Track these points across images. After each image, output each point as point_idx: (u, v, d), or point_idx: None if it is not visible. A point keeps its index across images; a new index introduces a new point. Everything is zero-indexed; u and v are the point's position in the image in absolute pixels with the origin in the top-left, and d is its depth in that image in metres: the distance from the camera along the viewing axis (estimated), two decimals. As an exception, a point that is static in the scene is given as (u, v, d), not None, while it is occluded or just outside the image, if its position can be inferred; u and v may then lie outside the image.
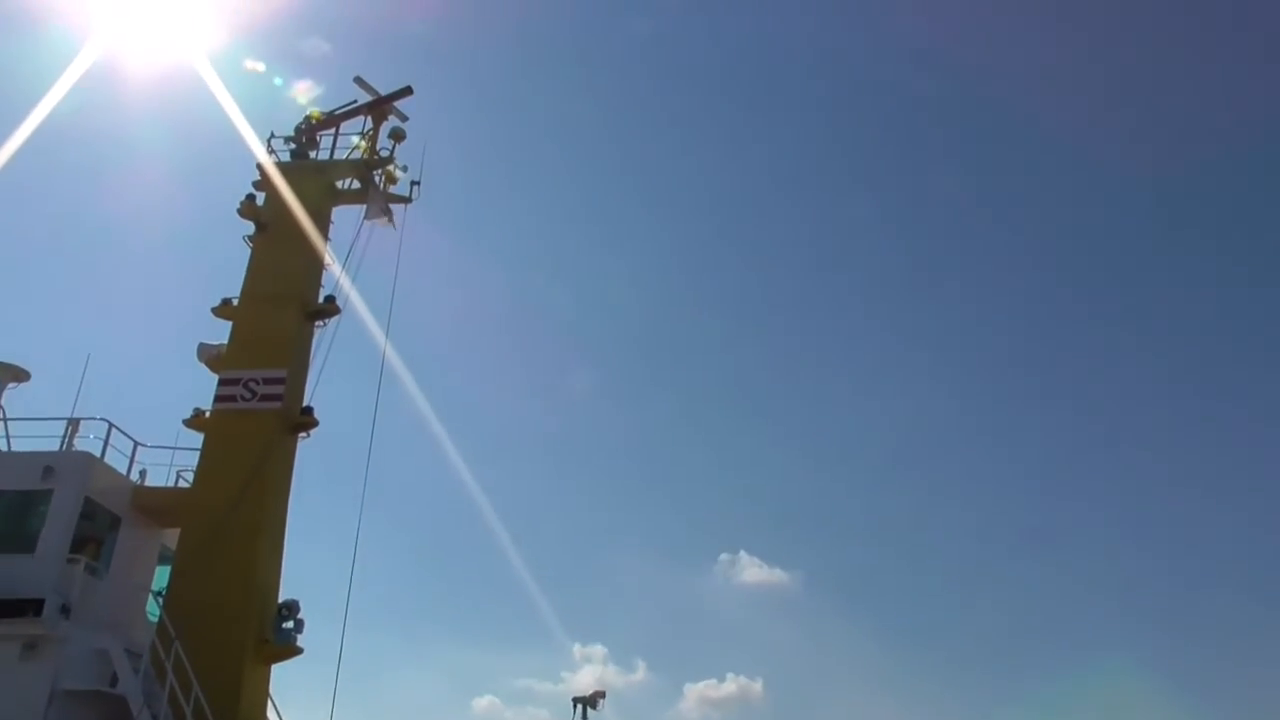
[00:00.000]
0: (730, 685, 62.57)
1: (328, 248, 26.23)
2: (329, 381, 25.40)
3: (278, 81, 32.27)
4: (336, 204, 26.90)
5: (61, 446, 22.72)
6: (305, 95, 29.88)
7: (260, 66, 31.23)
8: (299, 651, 22.69)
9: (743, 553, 70.35)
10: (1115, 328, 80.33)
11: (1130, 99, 76.62)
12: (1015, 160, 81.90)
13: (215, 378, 24.59)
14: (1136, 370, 77.95)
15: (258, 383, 24.23)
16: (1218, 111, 72.63)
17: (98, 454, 22.62)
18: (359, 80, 27.53)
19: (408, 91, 27.52)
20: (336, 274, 26.11)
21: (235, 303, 25.49)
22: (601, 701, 27.52)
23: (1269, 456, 72.38)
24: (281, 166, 26.84)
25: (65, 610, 20.08)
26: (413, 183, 27.33)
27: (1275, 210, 76.03)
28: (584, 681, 56.52)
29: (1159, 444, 76.28)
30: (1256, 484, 72.07)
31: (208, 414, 24.09)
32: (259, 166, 26.84)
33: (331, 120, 27.74)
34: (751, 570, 71.09)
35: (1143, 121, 75.08)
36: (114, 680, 20.01)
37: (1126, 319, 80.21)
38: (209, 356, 25.00)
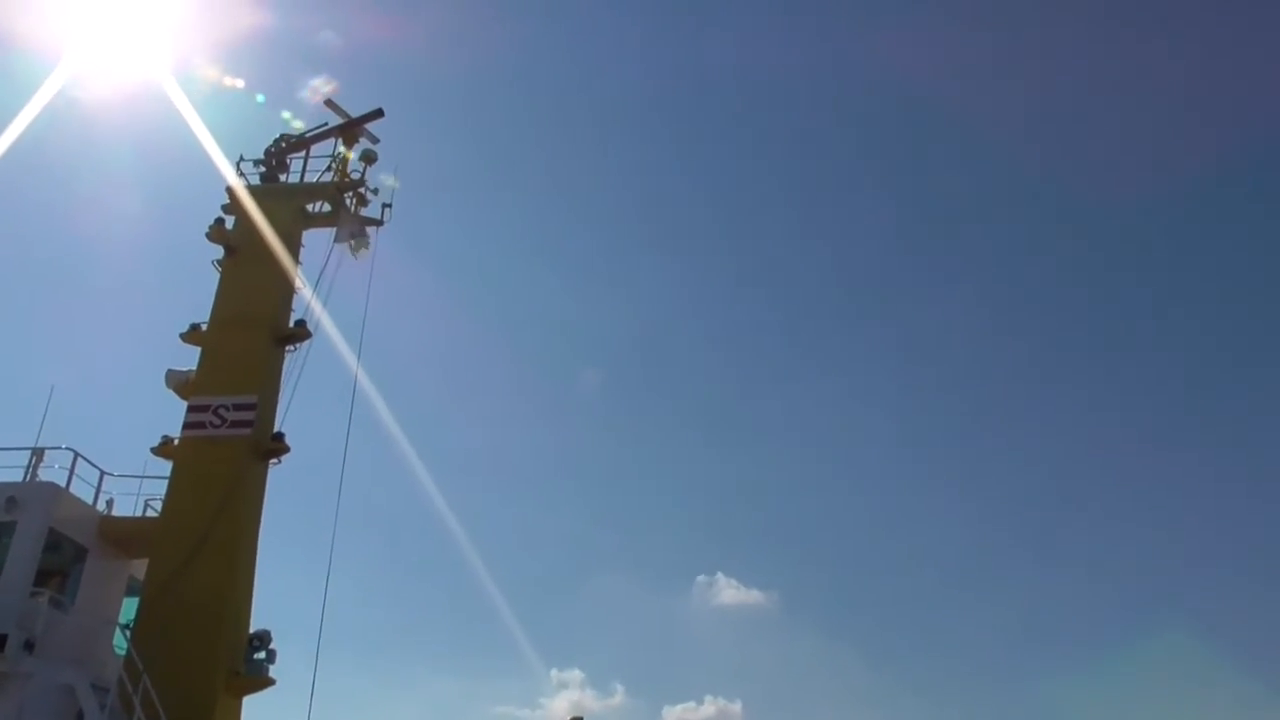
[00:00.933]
0: (709, 707, 62.14)
1: (298, 271, 25.94)
2: (301, 407, 25.11)
3: (260, 99, 32.00)
4: (307, 227, 26.59)
5: (25, 477, 22.28)
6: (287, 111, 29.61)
7: (240, 82, 30.91)
8: (271, 683, 22.27)
9: (720, 574, 70.16)
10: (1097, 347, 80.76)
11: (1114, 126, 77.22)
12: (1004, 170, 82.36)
13: (184, 404, 24.18)
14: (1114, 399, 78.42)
15: (227, 409, 23.85)
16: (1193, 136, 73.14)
17: (63, 484, 22.21)
18: (330, 103, 27.35)
19: (378, 114, 27.33)
20: (308, 298, 25.87)
21: (204, 328, 25.11)
22: (580, 727, 27.16)
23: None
24: (251, 190, 26.54)
25: (29, 646, 19.63)
26: (384, 205, 27.19)
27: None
28: (562, 707, 56.02)
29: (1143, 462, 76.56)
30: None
31: (176, 441, 23.67)
32: (228, 190, 26.56)
33: (302, 143, 27.50)
34: (729, 591, 70.90)
35: (1129, 146, 75.62)
36: (79, 717, 19.52)
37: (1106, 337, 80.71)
38: (177, 383, 24.61)
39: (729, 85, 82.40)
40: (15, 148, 28.01)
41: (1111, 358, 79.32)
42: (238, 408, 23.87)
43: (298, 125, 27.95)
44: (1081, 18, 75.74)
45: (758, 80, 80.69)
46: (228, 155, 27.06)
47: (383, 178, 27.38)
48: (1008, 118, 77.07)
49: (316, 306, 25.73)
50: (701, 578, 70.76)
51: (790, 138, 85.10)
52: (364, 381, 25.72)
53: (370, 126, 27.42)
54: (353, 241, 26.33)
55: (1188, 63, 73.92)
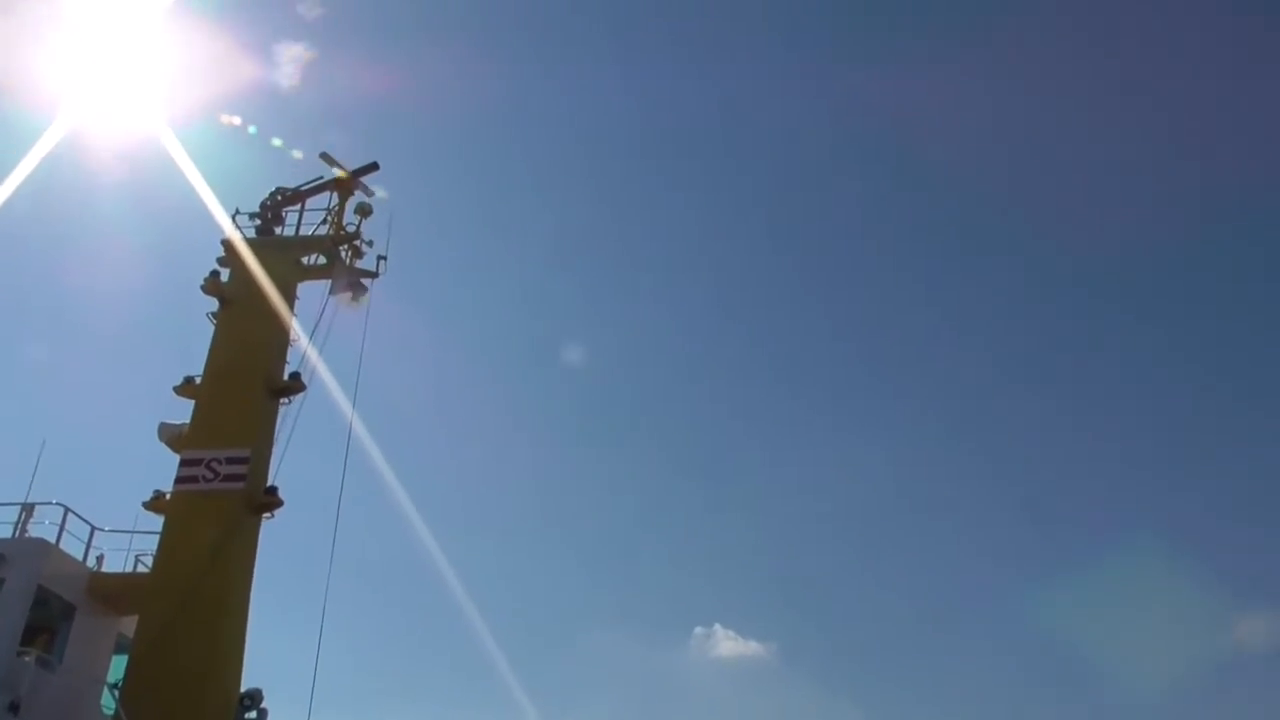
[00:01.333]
0: (708, 761, 61.14)
1: (293, 324, 25.90)
2: (295, 459, 24.95)
3: (252, 130, 32.18)
4: (302, 280, 26.59)
5: (15, 532, 22.01)
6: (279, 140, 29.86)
7: (236, 119, 31.06)
8: (262, 743, 21.88)
9: (718, 626, 69.33)
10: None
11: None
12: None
13: (177, 458, 24.01)
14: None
15: (220, 462, 23.67)
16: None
17: (53, 539, 21.94)
18: (325, 156, 27.44)
19: (374, 167, 27.42)
20: (303, 350, 25.80)
21: (198, 381, 25.00)
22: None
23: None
24: (246, 242, 26.56)
25: (14, 708, 19.23)
26: (379, 257, 27.13)
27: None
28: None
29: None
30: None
31: (168, 496, 23.46)
32: (223, 242, 26.58)
33: (297, 196, 27.56)
34: (727, 643, 70.01)
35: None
36: (66, 780, 19.13)
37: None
38: (170, 436, 24.46)
39: (723, 125, 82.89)
40: (12, 201, 28.04)
41: (1120, 404, 79.12)
42: (230, 461, 23.69)
43: (296, 155, 28.10)
44: (1081, 65, 76.58)
45: (751, 121, 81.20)
46: (223, 198, 27.14)
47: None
48: (1004, 161, 77.63)
49: (312, 356, 25.69)
50: (699, 629, 70.03)
51: (786, 180, 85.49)
52: (359, 432, 25.56)
53: (366, 179, 27.47)
54: (349, 294, 26.28)
55: (1188, 110, 74.71)
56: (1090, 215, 77.27)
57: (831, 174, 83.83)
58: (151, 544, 23.08)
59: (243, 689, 22.07)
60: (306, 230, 27.21)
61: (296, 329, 25.97)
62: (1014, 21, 69.28)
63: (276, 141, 30.31)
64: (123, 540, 23.48)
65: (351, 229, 27.09)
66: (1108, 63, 75.71)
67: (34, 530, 22.19)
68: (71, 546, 22.39)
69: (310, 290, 26.72)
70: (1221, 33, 71.59)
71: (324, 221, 27.12)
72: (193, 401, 24.76)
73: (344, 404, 25.70)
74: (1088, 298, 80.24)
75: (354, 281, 26.50)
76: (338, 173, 27.20)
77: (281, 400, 24.98)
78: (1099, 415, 78.53)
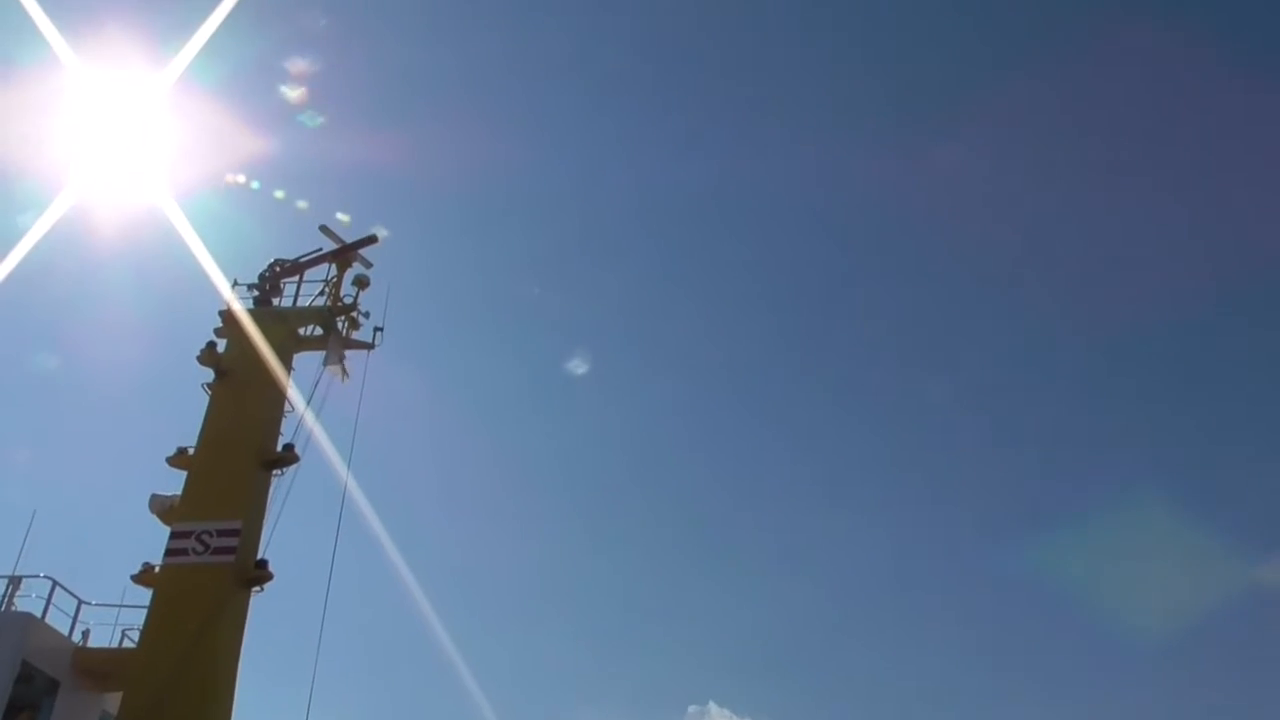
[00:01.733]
0: (705, 842, 59.56)
1: (288, 394, 25.85)
2: (289, 530, 24.72)
3: (255, 185, 32.50)
4: (298, 351, 26.63)
5: (1, 606, 21.74)
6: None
7: (240, 178, 31.40)
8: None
9: (712, 704, 67.84)
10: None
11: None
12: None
13: (168, 530, 23.77)
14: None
15: (211, 535, 23.43)
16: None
17: (39, 613, 21.68)
18: (324, 229, 27.65)
19: (373, 239, 27.69)
20: (298, 419, 25.72)
21: (191, 451, 24.89)
22: None
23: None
24: (244, 313, 26.64)
25: (-6, 786, 18.83)
26: (376, 329, 27.23)
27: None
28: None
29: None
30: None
31: (157, 569, 23.20)
32: (221, 313, 26.68)
33: (296, 267, 27.73)
34: (722, 723, 68.57)
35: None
36: None
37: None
38: (161, 508, 24.29)
39: (723, 202, 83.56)
40: (15, 273, 28.17)
41: (1118, 479, 78.66)
42: (221, 534, 23.46)
43: (302, 205, 28.24)
44: (1080, 148, 77.47)
45: (752, 197, 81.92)
46: (225, 267, 27.27)
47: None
48: (1006, 237, 77.96)
49: (310, 419, 25.60)
50: (693, 708, 68.61)
51: (786, 256, 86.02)
52: (353, 501, 25.45)
53: (364, 252, 27.68)
54: (342, 365, 26.27)
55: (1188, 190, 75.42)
56: (1089, 291, 77.66)
57: (833, 250, 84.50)
58: (139, 618, 22.80)
59: (229, 768, 21.59)
60: (304, 302, 27.37)
61: (292, 399, 25.93)
62: (1011, 101, 70.22)
63: (279, 194, 30.61)
64: (110, 614, 23.29)
65: (349, 300, 27.24)
66: (1108, 141, 76.63)
67: (20, 604, 22.01)
68: (58, 620, 22.18)
69: (306, 360, 26.75)
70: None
71: (321, 293, 27.30)
72: (185, 473, 24.59)
73: (339, 474, 25.58)
74: (1089, 373, 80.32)
75: (343, 355, 26.47)
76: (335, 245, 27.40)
77: (275, 472, 24.81)
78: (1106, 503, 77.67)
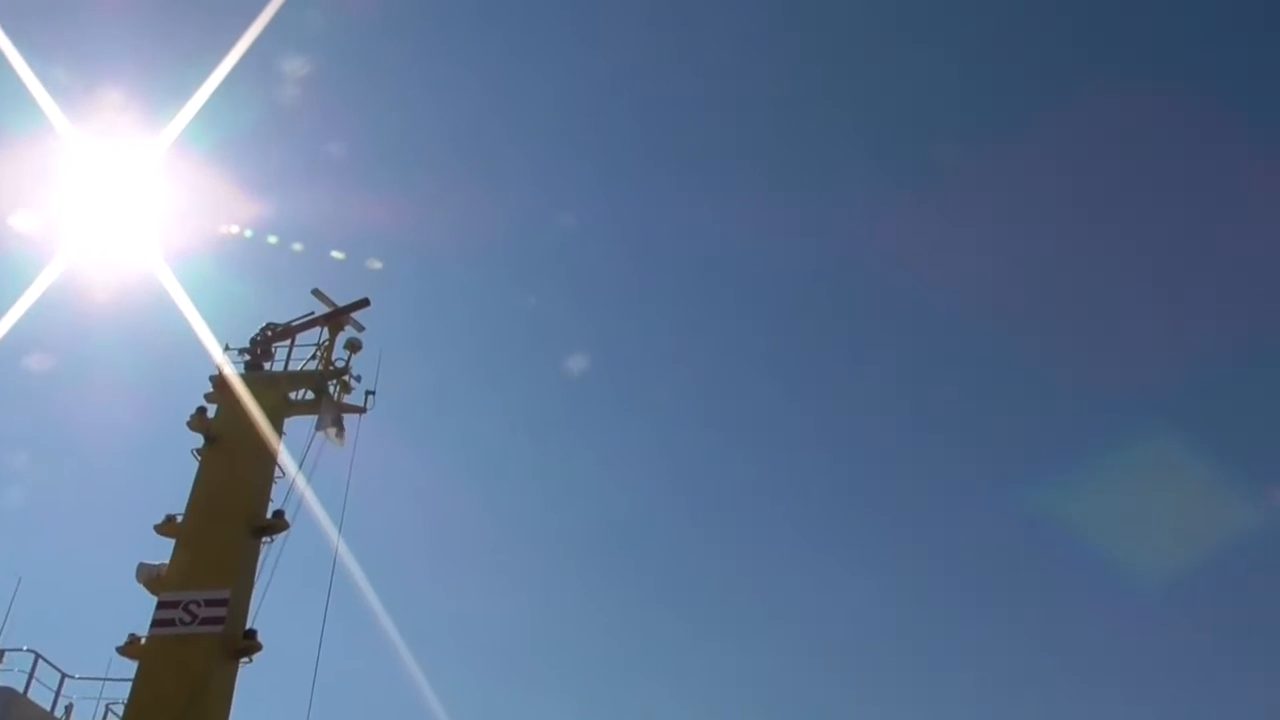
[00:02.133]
0: None
1: (278, 460, 25.64)
2: (278, 598, 24.35)
3: (249, 234, 32.52)
4: (289, 415, 26.42)
5: (-17, 681, 21.37)
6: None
7: (234, 228, 31.44)
8: None
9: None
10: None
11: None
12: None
13: (155, 600, 23.42)
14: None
15: (199, 605, 23.10)
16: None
17: (21, 688, 21.30)
18: (316, 292, 27.57)
19: (365, 303, 27.57)
20: (289, 484, 25.49)
21: (180, 519, 24.61)
22: None
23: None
24: (235, 378, 26.50)
25: None
26: (368, 393, 27.03)
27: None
28: None
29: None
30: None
31: (143, 640, 22.81)
32: (212, 378, 26.54)
33: (288, 331, 27.62)
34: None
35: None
36: None
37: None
38: (148, 577, 23.90)
39: (721, 268, 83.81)
40: (7, 340, 28.08)
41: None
42: (209, 603, 23.12)
43: (297, 248, 28.22)
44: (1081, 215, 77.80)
45: (751, 264, 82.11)
46: (217, 330, 27.19)
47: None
48: (1007, 310, 77.94)
49: (300, 483, 25.33)
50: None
51: (786, 323, 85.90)
52: (344, 567, 25.03)
53: (357, 315, 27.60)
54: (332, 430, 26.08)
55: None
56: (1085, 355, 77.57)
57: (824, 311, 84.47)
58: (124, 691, 22.39)
59: None
60: (296, 366, 27.20)
61: (282, 465, 25.72)
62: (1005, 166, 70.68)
63: (272, 239, 30.62)
64: (94, 688, 22.86)
65: (341, 364, 27.11)
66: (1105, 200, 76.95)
67: (2, 678, 21.66)
68: (40, 695, 21.84)
69: (296, 425, 26.56)
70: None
71: (313, 357, 27.14)
72: (174, 541, 24.31)
73: (330, 540, 25.27)
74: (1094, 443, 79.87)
75: (337, 418, 26.32)
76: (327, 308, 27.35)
77: (264, 539, 24.52)
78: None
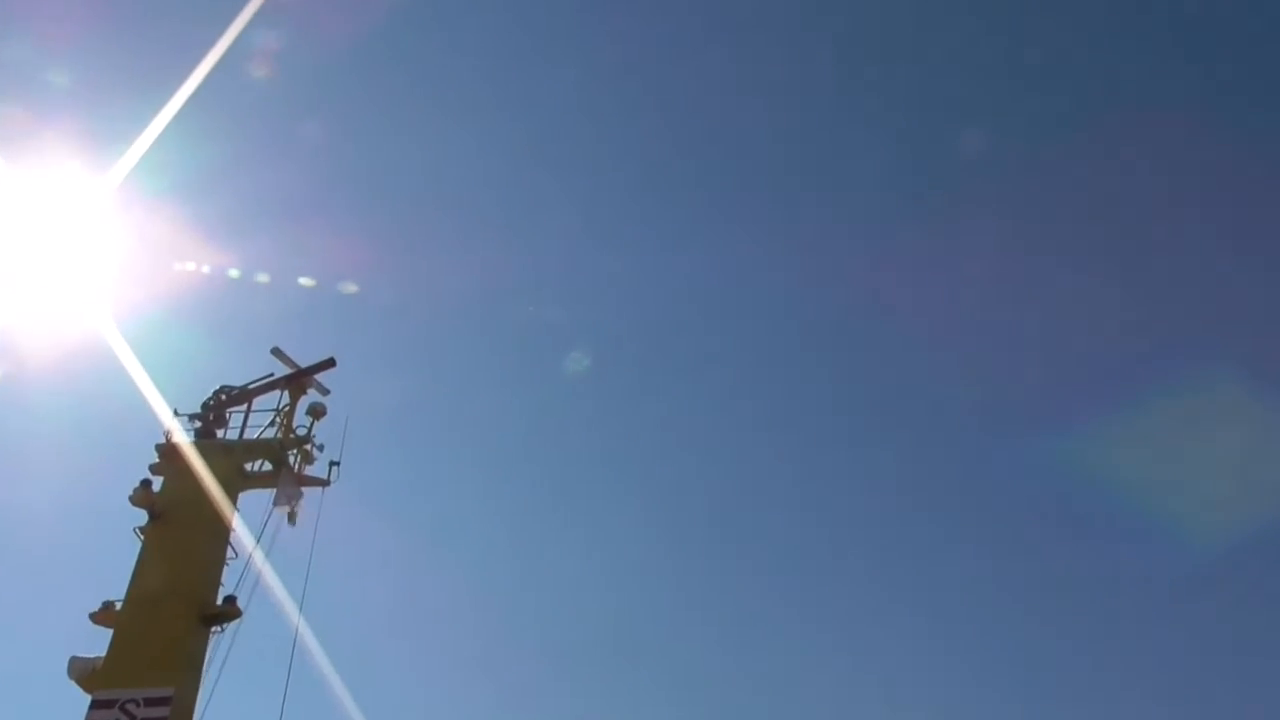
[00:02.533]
0: None
1: (231, 539, 23.31)
2: (229, 692, 22.03)
3: (205, 269, 30.54)
4: (245, 489, 24.19)
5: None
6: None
7: (189, 265, 29.50)
8: None
9: None
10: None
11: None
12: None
13: (89, 699, 20.88)
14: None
15: (137, 704, 20.59)
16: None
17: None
18: (276, 351, 25.57)
19: (330, 364, 25.52)
20: (244, 566, 23.23)
21: (119, 606, 22.15)
22: None
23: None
24: (185, 446, 24.24)
25: None
26: (332, 463, 24.90)
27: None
28: None
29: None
30: None
31: (73, 747, 20.28)
32: (158, 447, 24.27)
33: (244, 395, 25.47)
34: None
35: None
36: None
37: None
38: (81, 673, 21.38)
39: (705, 313, 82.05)
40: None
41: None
42: (149, 702, 20.63)
43: (262, 279, 26.44)
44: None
45: (735, 307, 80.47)
46: (168, 394, 25.11)
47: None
48: (1002, 345, 76.91)
49: (255, 570, 23.15)
50: None
51: (767, 369, 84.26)
52: (305, 657, 22.96)
53: (320, 377, 25.51)
54: (292, 505, 23.84)
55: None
56: (1075, 402, 76.79)
57: (814, 363, 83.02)
58: (48, 808, 19.85)
59: None
60: (252, 433, 25.04)
61: (235, 545, 23.38)
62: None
63: (234, 273, 28.70)
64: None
65: (303, 432, 24.96)
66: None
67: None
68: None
69: (251, 500, 24.30)
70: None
71: (271, 423, 25.01)
72: (111, 631, 21.82)
73: (288, 626, 23.06)
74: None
75: (297, 493, 24.13)
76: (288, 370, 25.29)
77: (214, 629, 22.14)
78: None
